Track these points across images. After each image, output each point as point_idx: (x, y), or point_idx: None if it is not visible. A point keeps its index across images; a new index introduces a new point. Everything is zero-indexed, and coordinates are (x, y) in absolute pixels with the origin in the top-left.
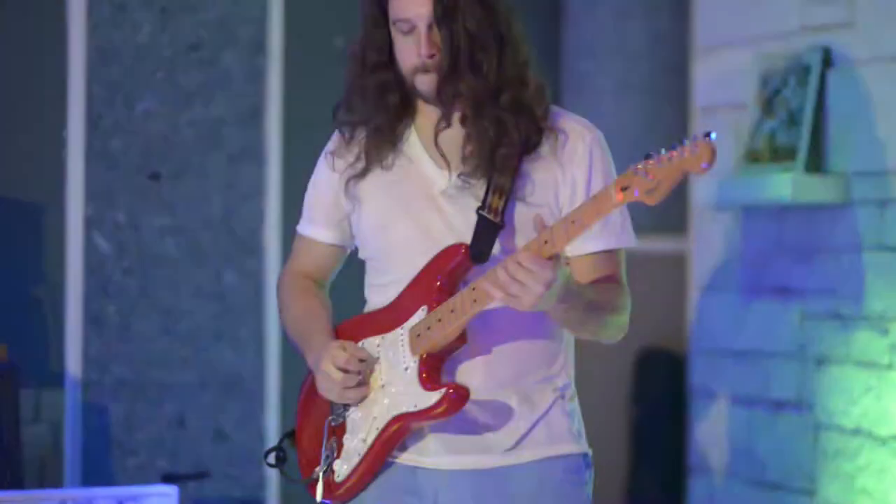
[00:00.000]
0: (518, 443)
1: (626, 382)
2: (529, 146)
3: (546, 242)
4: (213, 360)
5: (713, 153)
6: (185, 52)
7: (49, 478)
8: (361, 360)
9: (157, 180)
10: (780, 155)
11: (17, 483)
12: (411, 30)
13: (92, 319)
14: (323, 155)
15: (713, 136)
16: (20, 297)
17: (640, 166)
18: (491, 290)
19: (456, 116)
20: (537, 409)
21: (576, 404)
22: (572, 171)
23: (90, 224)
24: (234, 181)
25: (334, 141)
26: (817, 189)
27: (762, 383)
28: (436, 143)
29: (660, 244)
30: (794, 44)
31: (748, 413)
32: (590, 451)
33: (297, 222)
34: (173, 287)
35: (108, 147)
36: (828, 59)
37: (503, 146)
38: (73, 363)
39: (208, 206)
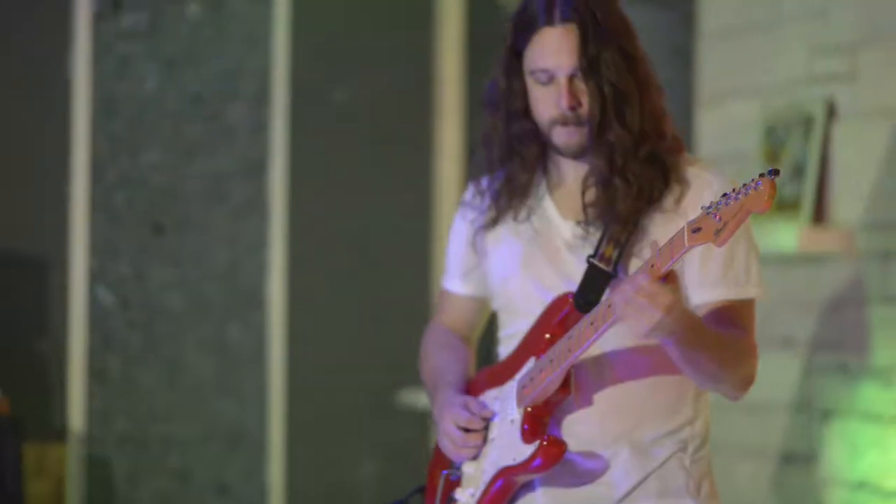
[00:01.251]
0: (627, 494)
1: None
2: (652, 198)
3: (652, 266)
4: (216, 414)
5: (774, 189)
6: (189, 105)
7: None
8: (484, 419)
9: (160, 233)
10: (784, 206)
11: None
12: (550, 80)
13: (95, 373)
14: (459, 205)
15: (777, 174)
16: (23, 350)
17: (710, 207)
18: (600, 317)
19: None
20: (652, 462)
21: (701, 458)
22: None
23: (94, 277)
24: (238, 234)
25: (468, 191)
26: (822, 241)
27: (767, 435)
28: (582, 196)
29: None
30: (799, 95)
31: (752, 465)
32: None
33: (301, 276)
34: (177, 340)
35: (112, 200)
36: (832, 111)
37: (625, 199)
38: (77, 417)
39: (212, 258)
